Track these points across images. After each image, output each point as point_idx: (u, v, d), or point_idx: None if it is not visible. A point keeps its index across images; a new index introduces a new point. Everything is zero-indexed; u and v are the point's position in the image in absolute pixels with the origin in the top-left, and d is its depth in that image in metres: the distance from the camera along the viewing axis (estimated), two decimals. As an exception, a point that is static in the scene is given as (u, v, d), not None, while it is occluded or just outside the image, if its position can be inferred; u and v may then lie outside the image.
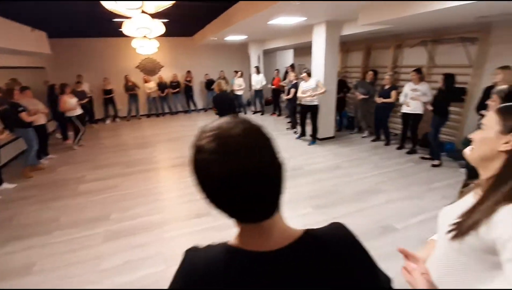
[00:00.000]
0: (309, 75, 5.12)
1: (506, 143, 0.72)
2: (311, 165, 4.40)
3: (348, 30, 5.09)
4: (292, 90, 5.83)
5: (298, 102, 5.60)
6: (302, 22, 4.93)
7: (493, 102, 1.78)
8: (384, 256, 2.30)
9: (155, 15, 3.27)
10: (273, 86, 8.04)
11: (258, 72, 8.26)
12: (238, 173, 0.43)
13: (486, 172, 0.78)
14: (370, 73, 5.59)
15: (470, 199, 0.83)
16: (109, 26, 6.34)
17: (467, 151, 1.13)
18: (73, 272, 2.32)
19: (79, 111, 5.76)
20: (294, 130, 6.36)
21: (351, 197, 3.36)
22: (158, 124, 8.24)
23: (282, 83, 7.61)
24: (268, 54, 10.05)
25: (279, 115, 8.29)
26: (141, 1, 2.28)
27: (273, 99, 8.45)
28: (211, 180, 0.45)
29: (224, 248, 0.54)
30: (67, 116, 5.63)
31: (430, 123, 4.23)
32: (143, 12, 2.83)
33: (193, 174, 0.47)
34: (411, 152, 4.73)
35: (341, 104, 6.10)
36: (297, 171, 4.18)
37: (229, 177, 0.43)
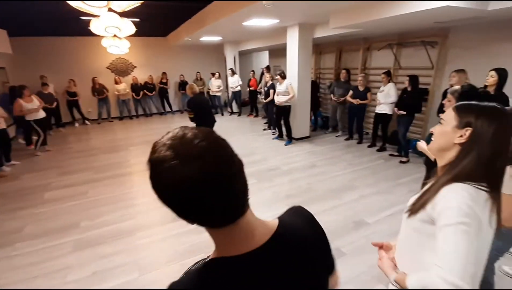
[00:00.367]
0: (283, 77, 5.21)
1: (460, 136, 0.82)
2: (287, 165, 4.48)
3: (320, 33, 5.24)
4: (272, 91, 5.87)
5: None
6: (276, 24, 5.01)
7: (449, 102, 1.92)
8: (357, 250, 2.40)
9: (124, 14, 3.17)
10: (251, 88, 8.08)
11: (233, 73, 8.26)
12: (207, 176, 0.42)
13: (442, 161, 0.89)
14: (344, 72, 5.76)
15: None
16: (76, 25, 6.03)
17: (420, 144, 1.32)
18: (37, 285, 2.18)
19: (40, 115, 5.37)
20: (272, 130, 6.43)
21: (326, 194, 3.47)
22: (131, 126, 7.97)
23: (259, 87, 7.66)
24: (244, 55, 10.09)
25: (256, 116, 8.35)
26: (106, 0, 2.19)
27: (250, 100, 8.49)
28: (178, 189, 0.42)
29: (202, 265, 0.52)
30: (27, 119, 5.26)
31: (397, 122, 4.47)
32: (111, 10, 2.73)
33: (156, 191, 0.45)
34: (381, 149, 4.97)
35: (315, 104, 6.27)
36: (275, 171, 4.23)
37: (198, 180, 0.42)
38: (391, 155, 4.71)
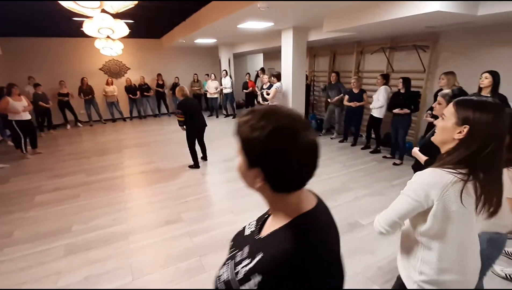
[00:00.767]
0: (278, 79, 5.26)
1: (459, 133, 0.93)
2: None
3: (315, 36, 5.29)
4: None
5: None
6: (271, 27, 5.04)
7: (439, 105, 1.95)
8: (352, 251, 2.41)
9: (118, 16, 3.15)
10: (249, 90, 8.07)
11: (226, 74, 8.27)
12: (317, 145, 0.56)
13: (443, 150, 1.02)
14: (333, 74, 5.83)
15: None
16: (68, 25, 5.96)
17: (414, 150, 1.56)
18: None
19: (25, 116, 5.21)
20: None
21: (321, 196, 3.46)
22: (124, 128, 7.88)
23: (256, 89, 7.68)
24: (239, 58, 10.10)
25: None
26: (99, 1, 2.17)
27: (246, 103, 8.49)
28: (305, 152, 0.55)
29: (291, 222, 0.59)
30: (9, 119, 5.08)
31: (392, 125, 4.49)
32: (104, 11, 2.70)
33: (275, 155, 0.53)
34: (375, 151, 5.01)
35: (307, 107, 6.33)
36: (269, 173, 4.23)
37: (316, 147, 0.56)
38: (384, 157, 4.76)
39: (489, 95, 2.88)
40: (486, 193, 0.89)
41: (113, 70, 8.78)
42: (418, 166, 1.83)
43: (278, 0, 3.24)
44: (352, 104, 5.21)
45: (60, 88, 7.62)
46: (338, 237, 0.67)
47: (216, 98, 8.69)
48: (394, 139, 4.53)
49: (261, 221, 0.72)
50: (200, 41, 7.15)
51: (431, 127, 3.60)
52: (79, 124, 8.24)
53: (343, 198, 3.41)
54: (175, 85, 9.08)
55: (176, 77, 9.17)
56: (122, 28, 3.65)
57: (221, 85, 8.50)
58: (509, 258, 2.31)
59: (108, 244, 2.66)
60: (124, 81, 8.64)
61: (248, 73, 8.53)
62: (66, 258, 2.48)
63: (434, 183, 0.91)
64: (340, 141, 5.74)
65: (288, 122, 0.54)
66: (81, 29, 5.13)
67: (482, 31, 3.86)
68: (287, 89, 5.55)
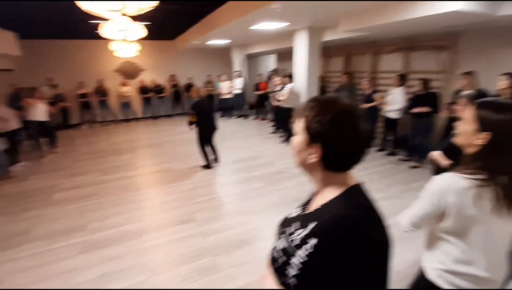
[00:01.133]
0: (289, 80, 5.22)
1: (480, 138, 0.90)
2: (295, 168, 4.42)
3: (329, 36, 5.22)
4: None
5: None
6: (285, 28, 5.01)
7: (462, 107, 1.87)
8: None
9: (134, 17, 3.19)
10: (260, 91, 8.06)
11: (239, 76, 8.28)
12: (369, 133, 0.63)
13: (466, 152, 1.00)
14: (345, 76, 5.72)
15: None
16: (84, 28, 6.11)
17: (432, 153, 1.73)
18: (44, 288, 2.16)
19: (43, 118, 5.44)
20: (280, 134, 6.36)
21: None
22: (138, 129, 8.01)
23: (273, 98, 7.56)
24: (252, 59, 10.10)
25: (263, 119, 8.32)
26: (122, 2, 2.20)
27: (257, 104, 8.48)
28: (364, 134, 0.62)
29: (345, 192, 0.66)
30: (28, 119, 5.28)
31: (412, 127, 4.34)
32: (123, 14, 2.74)
33: (339, 130, 0.61)
34: (391, 154, 4.89)
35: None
36: (283, 175, 4.19)
37: (366, 135, 0.62)
38: (401, 159, 4.63)
39: (509, 97, 2.76)
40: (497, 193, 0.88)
41: (128, 72, 8.95)
42: (438, 170, 1.75)
43: (293, 0, 3.21)
44: (363, 106, 5.11)
45: (79, 89, 7.84)
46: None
47: (229, 98, 8.73)
48: (412, 142, 4.39)
49: (305, 204, 0.80)
50: (213, 42, 7.19)
51: (449, 128, 3.48)
52: (94, 124, 8.44)
53: (358, 201, 3.33)
54: (188, 86, 9.18)
55: (190, 78, 9.26)
56: (138, 30, 3.71)
57: (233, 85, 8.53)
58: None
59: (123, 243, 2.68)
60: (138, 82, 8.79)
61: (260, 74, 8.51)
62: (82, 255, 2.52)
63: (448, 188, 0.93)
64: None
65: (351, 108, 0.62)
66: (97, 31, 5.26)
67: (504, 31, 3.71)
68: (300, 90, 5.49)
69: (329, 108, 0.62)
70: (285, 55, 8.48)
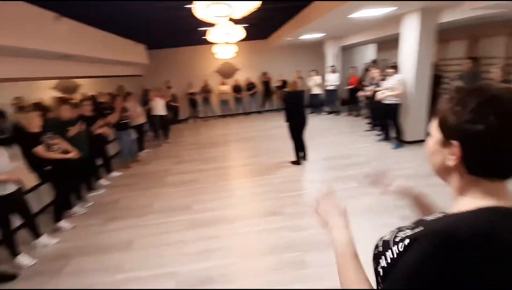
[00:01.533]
0: (395, 71, 4.61)
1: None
2: (395, 171, 3.91)
3: (448, 17, 4.36)
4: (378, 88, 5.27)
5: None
6: (389, 13, 4.46)
7: None
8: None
9: (236, 21, 3.43)
10: (351, 86, 7.54)
11: (333, 71, 7.90)
12: None
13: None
14: (468, 61, 4.66)
15: None
16: (194, 35, 7.01)
17: None
18: (162, 253, 2.59)
19: (163, 112, 6.54)
20: (377, 132, 5.77)
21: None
22: (231, 124, 8.71)
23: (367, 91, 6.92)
24: (346, 51, 9.50)
25: (357, 115, 7.72)
26: (230, 6, 2.38)
27: (350, 99, 7.93)
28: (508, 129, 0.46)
29: (488, 211, 0.50)
30: (152, 114, 6.45)
31: None
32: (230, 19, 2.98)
33: (482, 123, 0.47)
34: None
35: (436, 101, 5.28)
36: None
37: None
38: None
39: None
40: None
41: (225, 72, 9.85)
42: None
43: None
44: None
45: (189, 88, 9.16)
46: None
47: (318, 94, 8.49)
48: None
49: None
50: (306, 37, 7.09)
51: None
52: (197, 119, 9.67)
53: None
54: (283, 83, 9.41)
55: (281, 74, 9.47)
56: (239, 32, 3.98)
57: (325, 81, 8.23)
58: None
59: (219, 225, 2.96)
60: (233, 81, 9.55)
61: (354, 67, 7.89)
62: (188, 230, 2.91)
63: None
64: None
65: (505, 93, 0.48)
66: (204, 37, 5.94)
67: None
68: (407, 81, 4.78)
69: (473, 96, 0.49)
70: (387, 44, 7.60)
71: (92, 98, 5.73)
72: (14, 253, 2.56)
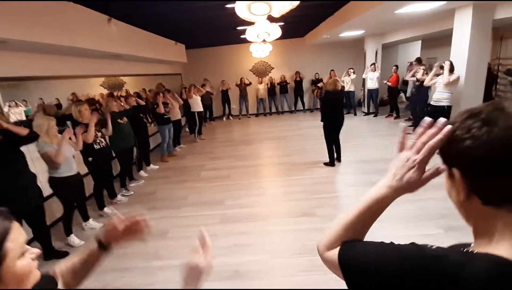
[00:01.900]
0: (451, 69, 4.25)
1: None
2: (440, 177, 3.61)
3: (505, 13, 3.92)
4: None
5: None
6: (440, 8, 4.12)
7: None
8: None
9: (274, 19, 3.41)
10: (389, 84, 7.13)
11: (375, 69, 7.52)
12: None
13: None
14: None
15: None
16: (231, 35, 7.13)
17: None
18: (194, 244, 2.68)
19: (200, 109, 6.75)
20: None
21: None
22: (264, 122, 8.74)
23: (408, 78, 6.47)
24: (387, 49, 9.00)
25: (397, 117, 7.29)
26: (269, 4, 2.37)
27: (390, 99, 7.51)
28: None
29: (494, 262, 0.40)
30: (192, 111, 6.67)
31: None
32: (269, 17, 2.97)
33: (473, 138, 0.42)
34: None
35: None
36: (420, 183, 3.53)
37: None
38: None
39: None
40: None
41: (260, 70, 9.89)
42: None
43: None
44: None
45: (222, 86, 9.34)
46: None
47: (353, 93, 8.17)
48: None
49: None
50: (346, 34, 6.85)
51: None
52: (230, 117, 9.85)
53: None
54: (315, 81, 9.22)
55: (317, 73, 9.27)
56: (276, 31, 3.96)
57: (362, 80, 7.89)
58: None
59: (250, 222, 2.99)
60: (268, 80, 9.55)
61: (396, 65, 7.43)
62: (220, 225, 2.99)
63: None
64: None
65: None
66: (242, 36, 6.00)
67: None
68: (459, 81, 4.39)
69: (464, 114, 0.45)
70: (433, 41, 7.06)
71: (137, 95, 6.12)
72: (69, 232, 2.86)
